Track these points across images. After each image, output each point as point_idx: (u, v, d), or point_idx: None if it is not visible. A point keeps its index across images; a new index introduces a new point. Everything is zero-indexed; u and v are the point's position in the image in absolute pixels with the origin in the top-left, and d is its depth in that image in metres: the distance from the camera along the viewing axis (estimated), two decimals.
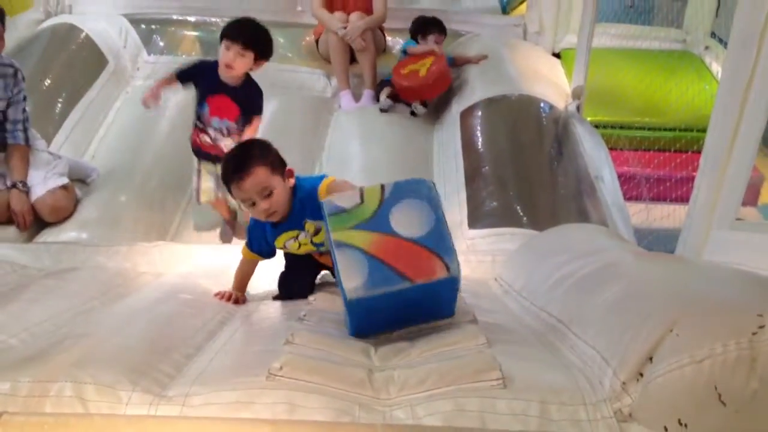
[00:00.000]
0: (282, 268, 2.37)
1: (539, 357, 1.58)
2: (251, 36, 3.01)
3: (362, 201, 1.75)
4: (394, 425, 1.33)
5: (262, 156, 2.09)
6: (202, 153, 3.16)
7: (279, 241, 2.24)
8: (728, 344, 1.20)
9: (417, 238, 1.70)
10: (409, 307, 1.73)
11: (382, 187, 1.77)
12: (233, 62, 2.98)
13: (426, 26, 4.40)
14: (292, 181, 2.16)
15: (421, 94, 4.26)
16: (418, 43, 4.39)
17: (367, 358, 1.61)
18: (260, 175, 2.05)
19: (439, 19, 4.45)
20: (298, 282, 2.31)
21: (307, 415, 1.32)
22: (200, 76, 3.08)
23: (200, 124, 3.10)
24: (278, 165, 2.12)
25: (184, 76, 3.10)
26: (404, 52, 4.36)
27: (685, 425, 1.22)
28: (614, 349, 1.41)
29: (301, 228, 2.19)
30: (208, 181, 3.20)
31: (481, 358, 1.46)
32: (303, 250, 2.26)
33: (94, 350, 1.54)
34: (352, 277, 1.66)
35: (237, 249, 2.38)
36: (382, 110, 4.30)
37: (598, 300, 1.63)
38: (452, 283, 1.72)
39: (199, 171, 3.21)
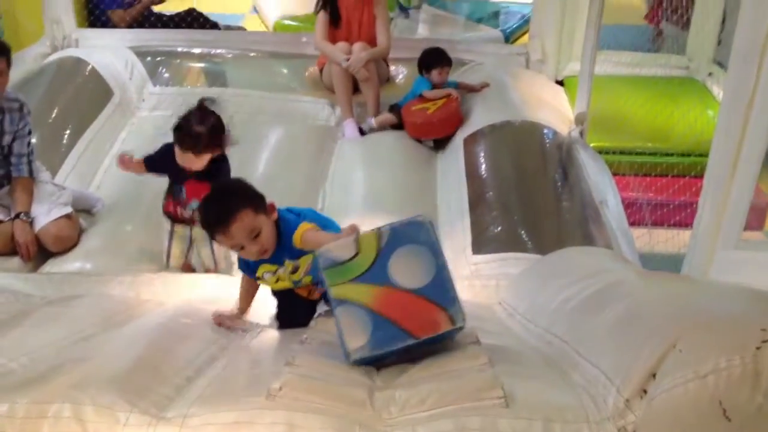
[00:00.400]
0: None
1: (542, 377, 1.57)
2: (202, 141, 2.74)
3: (358, 251, 1.67)
4: None
5: (243, 198, 1.99)
6: (177, 219, 3.00)
7: (258, 272, 2.16)
8: (732, 359, 1.19)
9: (418, 290, 1.65)
10: (412, 352, 1.70)
11: (379, 234, 1.69)
12: (191, 166, 2.79)
13: (430, 60, 4.35)
14: (275, 215, 2.06)
15: (427, 132, 4.26)
16: (423, 75, 4.38)
17: (368, 378, 1.60)
18: (246, 218, 1.95)
19: (442, 49, 4.41)
20: (294, 321, 2.23)
21: None
22: (168, 164, 2.88)
23: (177, 198, 2.93)
24: (260, 203, 2.02)
25: (150, 165, 2.96)
26: (420, 95, 4.30)
27: None
28: (618, 367, 1.39)
29: (281, 264, 2.12)
30: (180, 245, 3.03)
31: (483, 377, 1.45)
32: (280, 285, 2.18)
33: (93, 372, 1.53)
34: (355, 337, 1.63)
35: (239, 279, 2.34)
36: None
37: (602, 319, 1.62)
38: (457, 332, 1.71)
39: (171, 234, 3.03)
